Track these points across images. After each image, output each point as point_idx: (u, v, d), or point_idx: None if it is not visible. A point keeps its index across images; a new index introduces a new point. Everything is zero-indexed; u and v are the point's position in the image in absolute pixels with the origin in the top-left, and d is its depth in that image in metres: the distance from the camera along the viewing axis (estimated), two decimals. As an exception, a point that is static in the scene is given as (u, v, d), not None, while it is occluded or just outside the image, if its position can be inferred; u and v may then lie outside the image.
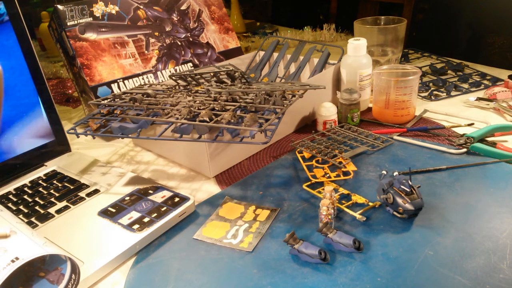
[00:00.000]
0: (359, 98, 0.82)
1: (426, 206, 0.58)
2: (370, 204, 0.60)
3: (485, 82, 1.00)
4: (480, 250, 0.51)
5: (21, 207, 0.64)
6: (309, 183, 0.66)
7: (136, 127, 0.64)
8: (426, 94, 0.96)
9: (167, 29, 0.99)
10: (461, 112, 0.85)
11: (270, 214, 0.60)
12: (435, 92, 0.96)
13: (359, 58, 0.85)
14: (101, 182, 0.69)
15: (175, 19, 1.01)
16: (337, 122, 0.82)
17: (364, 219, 0.57)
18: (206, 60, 1.04)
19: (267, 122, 0.59)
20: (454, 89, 0.97)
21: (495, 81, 0.99)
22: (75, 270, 0.47)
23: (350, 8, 2.03)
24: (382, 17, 1.00)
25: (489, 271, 0.47)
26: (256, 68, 1.01)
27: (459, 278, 0.47)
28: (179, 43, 1.00)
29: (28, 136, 0.73)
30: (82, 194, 0.66)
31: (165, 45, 0.97)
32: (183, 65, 1.00)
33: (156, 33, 0.97)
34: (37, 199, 0.65)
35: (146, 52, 0.94)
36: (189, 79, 0.83)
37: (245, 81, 0.80)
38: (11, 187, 0.69)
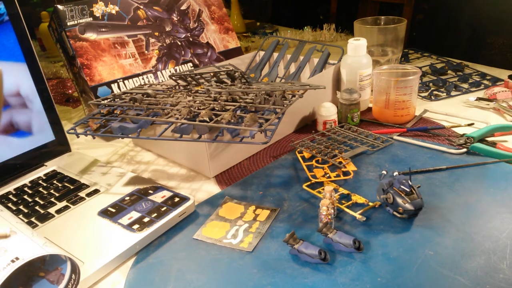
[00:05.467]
0: (359, 98, 0.82)
1: (426, 206, 0.58)
2: (370, 204, 0.60)
3: (485, 82, 1.00)
4: (480, 250, 0.51)
5: (21, 207, 0.64)
6: (309, 183, 0.66)
7: (136, 127, 0.64)
8: (426, 94, 0.96)
9: (167, 29, 0.99)
10: (461, 112, 0.85)
11: (270, 214, 0.60)
12: (435, 92, 0.96)
13: (359, 58, 0.85)
14: (101, 182, 0.69)
15: (175, 19, 1.01)
16: (337, 122, 0.82)
17: (364, 219, 0.57)
18: (206, 60, 1.04)
19: (267, 122, 0.59)
20: (454, 89, 0.97)
21: (495, 81, 0.99)
22: (75, 270, 0.47)
23: (350, 8, 2.03)
24: (382, 17, 1.00)
25: (489, 271, 0.47)
26: (256, 68, 1.01)
27: (459, 278, 0.47)
28: (179, 43, 1.00)
29: (28, 136, 0.73)
30: (82, 194, 0.66)
31: (165, 45, 0.97)
32: (183, 65, 1.00)
33: (156, 33, 0.97)
34: (37, 199, 0.66)
35: (146, 52, 0.94)
36: (189, 79, 0.83)
37: (245, 81, 0.80)
38: (11, 187, 0.69)
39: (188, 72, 0.83)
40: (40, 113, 0.75)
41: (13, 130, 0.71)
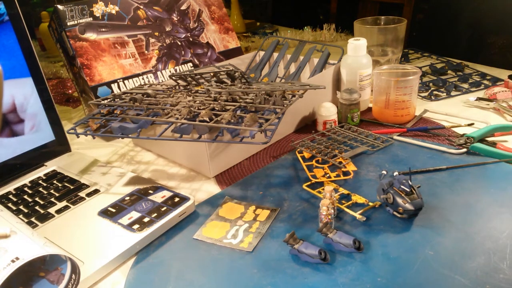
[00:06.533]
0: (359, 98, 0.82)
1: (426, 206, 0.58)
2: (370, 204, 0.60)
3: (485, 82, 1.00)
4: (480, 250, 0.51)
5: (21, 207, 0.64)
6: (309, 183, 0.66)
7: (136, 127, 0.64)
8: (426, 94, 0.96)
9: (167, 29, 0.99)
10: (461, 112, 0.85)
11: (270, 214, 0.60)
12: (435, 92, 0.96)
13: (359, 58, 0.85)
14: (101, 182, 0.69)
15: (175, 19, 1.01)
16: (337, 122, 0.82)
17: (364, 219, 0.57)
18: (206, 60, 1.04)
19: (267, 122, 0.59)
20: (454, 89, 0.97)
21: (495, 81, 0.99)
22: (75, 270, 0.47)
23: (350, 8, 2.03)
24: (382, 17, 1.00)
25: (489, 271, 0.47)
26: (256, 68, 1.01)
27: (459, 278, 0.47)
28: (179, 43, 1.00)
29: (28, 136, 0.73)
30: (82, 194, 0.66)
31: (165, 45, 0.97)
32: (183, 65, 1.00)
33: (156, 33, 0.97)
34: (37, 199, 0.66)
35: (146, 52, 0.94)
36: (189, 79, 0.83)
37: (245, 81, 0.80)
38: (11, 187, 0.69)
39: (188, 72, 0.83)
40: (40, 113, 0.75)
41: (13, 130, 0.71)
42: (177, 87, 0.81)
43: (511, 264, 0.48)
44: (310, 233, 0.56)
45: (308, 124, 0.87)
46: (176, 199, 0.62)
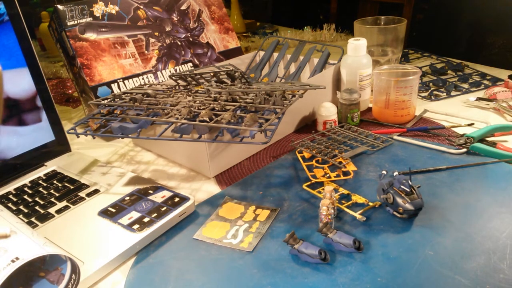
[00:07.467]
0: (359, 98, 0.82)
1: (426, 206, 0.58)
2: (370, 204, 0.60)
3: (485, 82, 1.00)
4: (480, 250, 0.51)
5: (21, 207, 0.64)
6: (309, 183, 0.66)
7: (136, 127, 0.64)
8: (426, 94, 0.96)
9: (167, 29, 0.99)
10: (461, 112, 0.85)
11: (270, 214, 0.60)
12: (435, 92, 0.96)
13: (359, 58, 0.85)
14: (101, 182, 0.69)
15: (175, 19, 1.01)
16: (337, 122, 0.82)
17: (364, 219, 0.57)
18: (206, 60, 1.04)
19: (267, 122, 0.59)
20: (454, 89, 0.97)
21: (495, 81, 0.99)
22: (75, 270, 0.47)
23: (350, 8, 2.03)
24: (382, 17, 1.00)
25: (489, 271, 0.47)
26: (256, 68, 1.01)
27: (459, 278, 0.47)
28: (179, 43, 1.00)
29: (28, 136, 0.73)
30: (82, 194, 0.66)
31: (165, 45, 0.97)
32: (183, 65, 1.00)
33: (156, 33, 0.97)
34: (37, 199, 0.66)
35: (146, 52, 0.94)
36: (189, 79, 0.83)
37: (245, 81, 0.80)
38: (11, 187, 0.69)
39: (188, 72, 0.83)
40: (40, 113, 0.75)
41: (13, 130, 0.71)
42: (177, 87, 0.81)
43: (511, 264, 0.48)
44: (310, 233, 0.56)
45: (308, 124, 0.87)
46: (176, 199, 0.62)
